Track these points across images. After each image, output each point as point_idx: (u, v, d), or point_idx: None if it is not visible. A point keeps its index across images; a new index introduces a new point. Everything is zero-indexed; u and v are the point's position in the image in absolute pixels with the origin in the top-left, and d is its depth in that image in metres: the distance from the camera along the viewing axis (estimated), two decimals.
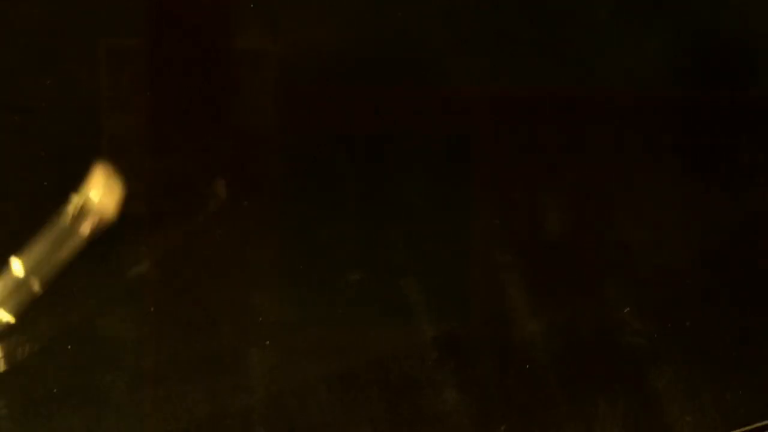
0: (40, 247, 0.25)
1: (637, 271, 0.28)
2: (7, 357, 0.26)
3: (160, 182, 0.27)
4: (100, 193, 0.25)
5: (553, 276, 0.28)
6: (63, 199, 0.25)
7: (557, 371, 0.27)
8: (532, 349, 0.27)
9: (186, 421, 0.26)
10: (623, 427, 0.27)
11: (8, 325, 0.26)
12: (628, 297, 0.27)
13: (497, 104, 0.27)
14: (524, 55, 0.27)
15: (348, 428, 0.27)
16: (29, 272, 0.25)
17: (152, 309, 0.26)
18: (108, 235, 0.26)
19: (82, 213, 0.25)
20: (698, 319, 0.28)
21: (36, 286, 0.25)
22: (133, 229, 0.26)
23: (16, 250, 0.25)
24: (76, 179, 0.25)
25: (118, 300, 0.26)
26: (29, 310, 0.26)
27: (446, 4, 0.27)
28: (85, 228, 0.25)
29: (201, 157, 0.27)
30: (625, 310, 0.27)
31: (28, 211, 0.26)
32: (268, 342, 0.26)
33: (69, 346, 0.26)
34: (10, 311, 0.25)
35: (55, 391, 0.26)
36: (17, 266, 0.25)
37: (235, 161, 0.27)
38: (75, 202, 0.25)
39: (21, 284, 0.25)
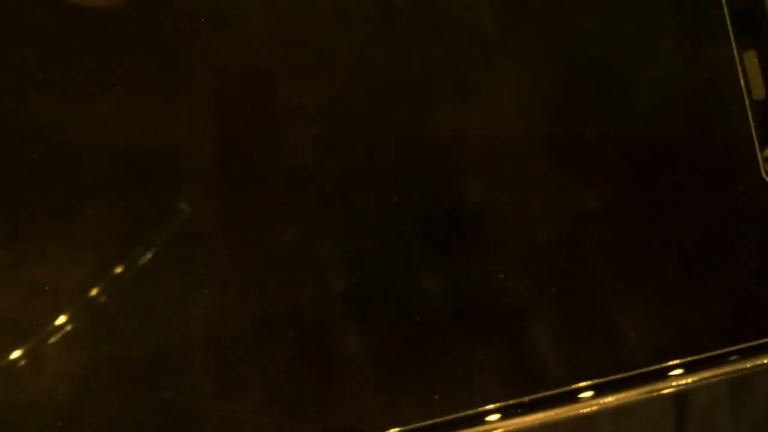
0: None
1: (511, 245, 0.32)
2: None
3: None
4: None
5: (444, 246, 0.32)
6: None
7: (443, 324, 0.32)
8: (423, 305, 0.32)
9: (137, 349, 0.31)
10: (498, 370, 0.32)
11: None
12: (504, 266, 0.32)
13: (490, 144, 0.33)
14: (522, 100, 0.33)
15: (270, 361, 0.32)
16: None
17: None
18: None
19: None
20: (562, 286, 0.32)
21: None
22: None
23: None
24: None
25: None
26: None
27: (455, 62, 0.33)
28: None
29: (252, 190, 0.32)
30: (500, 276, 0.32)
31: None
32: (206, 291, 0.31)
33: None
34: None
35: None
36: None
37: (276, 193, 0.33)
38: None
39: None
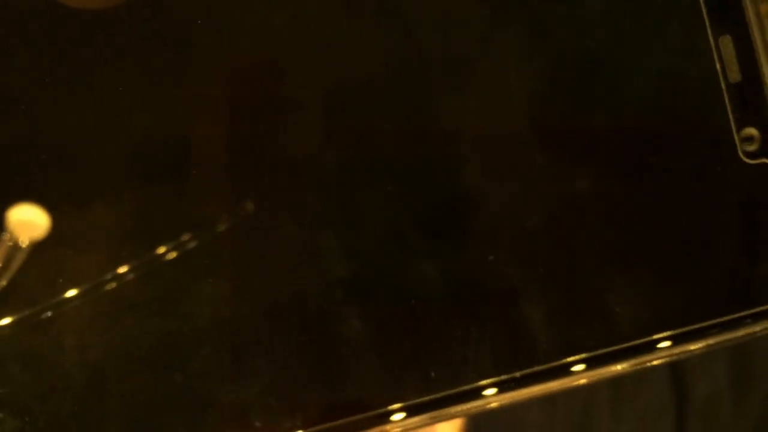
0: None
1: (500, 228, 0.34)
2: None
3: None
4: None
5: (437, 232, 0.34)
6: None
7: (438, 306, 0.34)
8: (419, 289, 0.34)
9: (149, 339, 0.33)
10: (491, 348, 0.33)
11: None
12: (493, 248, 0.33)
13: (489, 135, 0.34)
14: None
15: (276, 346, 0.33)
16: None
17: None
18: None
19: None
20: (550, 267, 0.33)
21: None
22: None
23: None
24: None
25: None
26: None
27: (449, 55, 0.34)
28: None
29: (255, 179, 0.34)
30: (490, 258, 0.33)
31: None
32: (211, 279, 0.33)
33: None
34: None
35: None
36: None
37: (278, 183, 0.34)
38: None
39: None
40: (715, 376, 0.44)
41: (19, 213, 0.32)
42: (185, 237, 0.33)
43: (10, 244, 0.31)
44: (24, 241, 0.32)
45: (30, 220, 0.32)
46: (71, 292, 0.33)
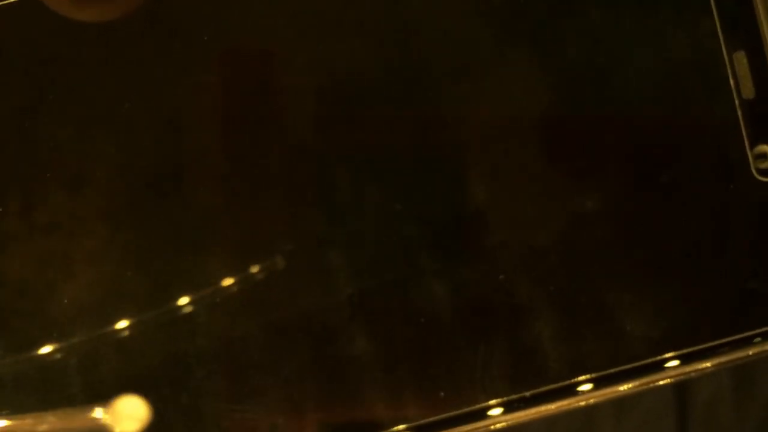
0: None
1: (510, 247, 0.33)
2: None
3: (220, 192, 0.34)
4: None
5: (445, 250, 0.33)
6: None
7: (447, 325, 0.33)
8: (427, 307, 0.33)
9: (149, 358, 0.32)
10: (499, 368, 0.33)
11: None
12: (504, 267, 0.33)
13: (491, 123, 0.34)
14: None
15: (280, 365, 0.33)
16: None
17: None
18: None
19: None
20: (559, 286, 0.33)
21: None
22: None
23: None
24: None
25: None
26: None
27: (455, 41, 0.34)
28: None
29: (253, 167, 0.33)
30: (500, 277, 0.33)
31: None
32: (218, 299, 0.32)
33: None
34: None
35: None
36: None
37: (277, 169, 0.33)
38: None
39: None
40: (716, 381, 0.44)
41: (128, 406, 0.32)
42: (192, 254, 0.33)
43: (103, 423, 0.31)
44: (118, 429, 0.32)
45: (134, 416, 0.32)
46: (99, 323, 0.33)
